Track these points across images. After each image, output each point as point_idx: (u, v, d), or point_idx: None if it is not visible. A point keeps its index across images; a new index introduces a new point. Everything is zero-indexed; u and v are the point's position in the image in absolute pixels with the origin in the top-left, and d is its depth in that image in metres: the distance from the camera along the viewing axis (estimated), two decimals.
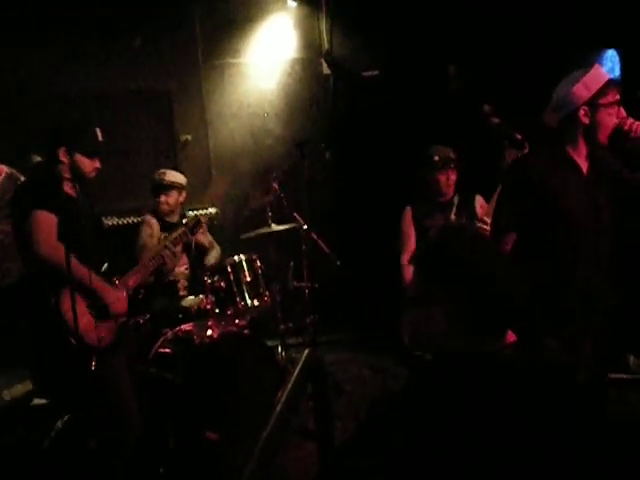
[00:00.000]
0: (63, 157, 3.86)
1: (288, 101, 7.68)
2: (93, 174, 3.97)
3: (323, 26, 7.69)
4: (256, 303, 5.34)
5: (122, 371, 3.97)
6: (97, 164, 3.97)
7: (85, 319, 3.64)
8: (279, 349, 5.90)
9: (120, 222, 6.58)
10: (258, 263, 5.47)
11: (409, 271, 5.11)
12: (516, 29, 6.57)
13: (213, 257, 5.78)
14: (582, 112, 3.32)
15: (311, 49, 7.74)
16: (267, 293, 5.46)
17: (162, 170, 5.64)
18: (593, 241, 3.40)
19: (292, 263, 6.05)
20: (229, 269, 5.32)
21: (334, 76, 7.70)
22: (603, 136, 3.36)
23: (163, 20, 7.17)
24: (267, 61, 7.63)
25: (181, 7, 7.27)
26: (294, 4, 7.50)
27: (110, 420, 3.83)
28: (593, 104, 3.31)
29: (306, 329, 5.83)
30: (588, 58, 6.91)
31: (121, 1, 6.84)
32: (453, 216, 5.17)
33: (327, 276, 6.04)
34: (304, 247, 5.79)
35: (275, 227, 5.81)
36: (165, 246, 4.31)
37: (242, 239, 5.97)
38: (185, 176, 5.71)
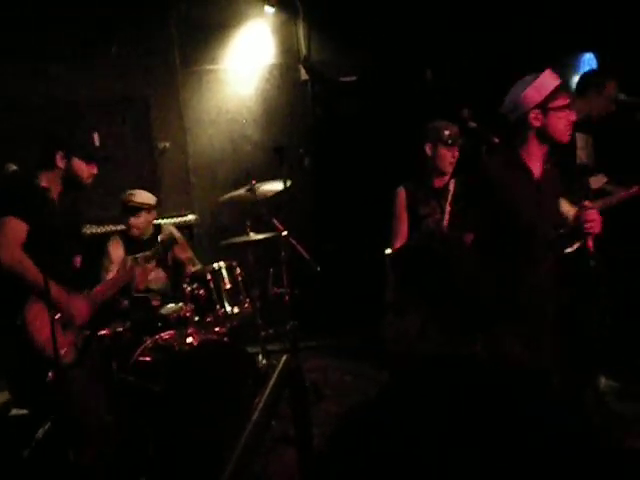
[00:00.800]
0: (60, 162, 3.87)
1: (266, 107, 7.68)
2: (89, 180, 3.97)
3: (301, 32, 7.69)
4: (236, 310, 5.32)
5: (85, 384, 3.95)
6: (94, 170, 3.97)
7: (48, 331, 3.60)
8: (260, 356, 5.87)
9: (99, 230, 6.55)
10: (238, 270, 5.46)
11: None
12: (494, 33, 6.62)
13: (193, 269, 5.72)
14: (533, 115, 3.43)
15: (289, 55, 7.73)
16: (247, 300, 5.45)
17: (130, 191, 5.54)
18: (542, 243, 3.48)
19: (272, 269, 6.02)
20: (209, 276, 5.30)
21: (312, 82, 7.70)
22: (554, 138, 3.47)
23: (140, 27, 7.16)
24: (245, 67, 7.62)
25: (158, 14, 7.25)
26: (272, 10, 7.49)
27: (78, 432, 3.81)
28: (544, 107, 3.42)
29: (287, 335, 5.81)
30: (566, 61, 6.97)
31: (97, 8, 6.82)
32: (448, 207, 4.87)
33: (307, 282, 6.03)
34: (283, 253, 5.77)
35: (254, 236, 5.79)
36: (137, 265, 4.29)
37: (221, 246, 5.94)
38: (155, 194, 5.67)
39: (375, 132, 7.21)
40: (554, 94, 3.42)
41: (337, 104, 7.66)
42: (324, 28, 7.66)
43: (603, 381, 5.20)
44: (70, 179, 3.92)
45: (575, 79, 6.88)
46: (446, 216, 4.74)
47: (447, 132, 4.90)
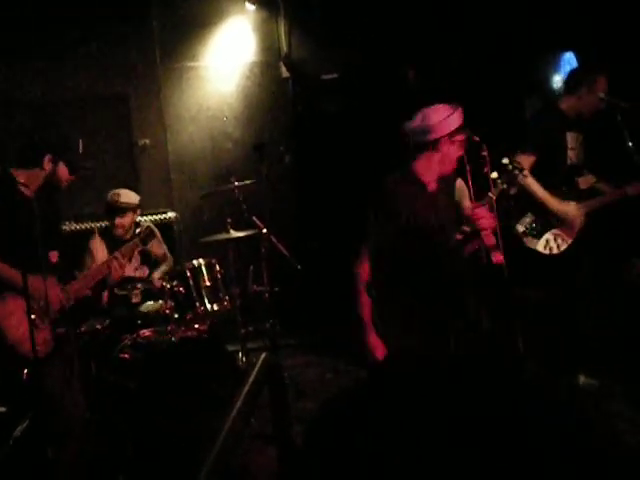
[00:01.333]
0: (47, 164, 3.91)
1: (247, 104, 7.66)
2: (66, 184, 4.04)
3: (282, 29, 7.68)
4: (216, 307, 5.32)
5: (61, 381, 3.94)
6: (72, 177, 4.03)
7: (22, 328, 3.60)
8: (240, 354, 5.87)
9: (77, 227, 6.52)
10: (217, 267, 5.45)
11: None
12: (474, 32, 6.63)
13: (160, 272, 5.70)
14: (443, 141, 3.80)
15: (270, 52, 7.72)
16: (227, 297, 5.44)
17: (116, 191, 5.52)
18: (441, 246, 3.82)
19: (252, 267, 6.02)
20: (188, 274, 5.29)
21: (293, 79, 7.69)
22: (445, 164, 3.86)
23: (121, 23, 7.13)
24: (226, 64, 7.60)
25: (139, 10, 7.21)
26: (252, 7, 7.48)
27: (56, 429, 3.80)
28: (450, 138, 3.80)
29: (266, 333, 5.81)
30: (546, 61, 7.01)
31: (78, 4, 6.78)
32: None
33: (287, 280, 6.02)
34: (263, 251, 5.76)
35: (234, 233, 5.78)
36: (114, 257, 4.28)
37: (201, 243, 5.92)
38: (138, 192, 5.68)
39: (356, 130, 7.22)
40: (458, 130, 3.79)
41: (318, 102, 7.66)
42: (305, 25, 7.65)
43: (582, 378, 5.23)
44: (51, 181, 3.96)
45: (556, 78, 6.93)
46: None
47: None
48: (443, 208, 3.89)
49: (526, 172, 4.19)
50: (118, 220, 5.43)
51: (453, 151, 3.83)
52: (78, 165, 4.03)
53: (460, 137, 3.82)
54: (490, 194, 3.83)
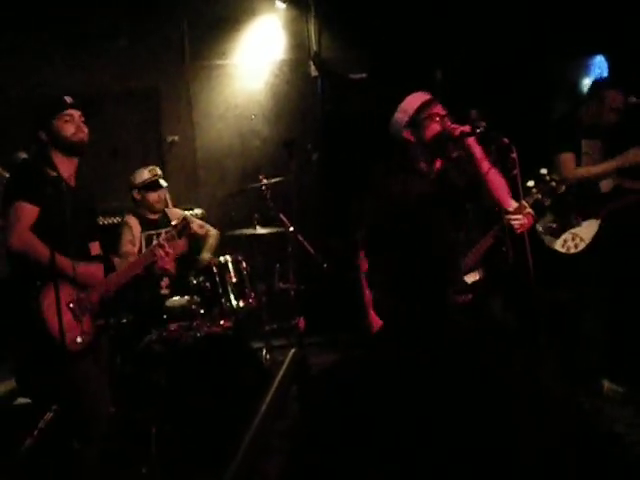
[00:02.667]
0: (44, 135, 3.83)
1: (276, 102, 7.67)
2: (80, 135, 3.89)
3: (311, 28, 7.69)
4: (241, 304, 5.33)
5: (95, 373, 3.95)
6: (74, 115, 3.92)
7: (65, 318, 3.56)
8: (264, 351, 5.89)
9: (105, 222, 6.55)
10: (244, 264, 5.46)
11: None
12: (505, 34, 6.60)
13: (209, 248, 5.66)
14: (407, 133, 3.85)
15: (299, 50, 7.73)
16: (253, 294, 5.45)
17: (150, 167, 5.52)
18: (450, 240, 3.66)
19: (278, 264, 6.04)
20: (215, 270, 5.30)
21: (322, 78, 7.69)
22: (430, 145, 3.79)
23: (150, 20, 7.17)
24: (255, 62, 7.61)
25: (168, 7, 7.25)
26: (283, 5, 7.49)
27: (82, 420, 3.82)
28: (413, 123, 3.83)
29: (291, 331, 5.82)
30: (577, 64, 6.97)
31: (108, 1, 6.83)
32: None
33: (313, 278, 6.03)
34: (290, 249, 5.78)
35: (260, 230, 5.80)
36: (158, 244, 4.21)
37: (228, 240, 5.93)
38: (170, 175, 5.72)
39: (384, 129, 7.19)
40: (420, 109, 3.81)
41: (346, 101, 7.65)
42: (335, 24, 7.65)
43: (606, 385, 5.20)
44: (61, 145, 3.87)
45: (585, 81, 6.88)
46: None
47: None
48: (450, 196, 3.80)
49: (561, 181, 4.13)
50: (153, 195, 5.42)
51: (423, 133, 3.80)
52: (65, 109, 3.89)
53: (424, 114, 3.81)
54: (524, 202, 3.81)
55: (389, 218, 3.57)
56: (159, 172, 5.51)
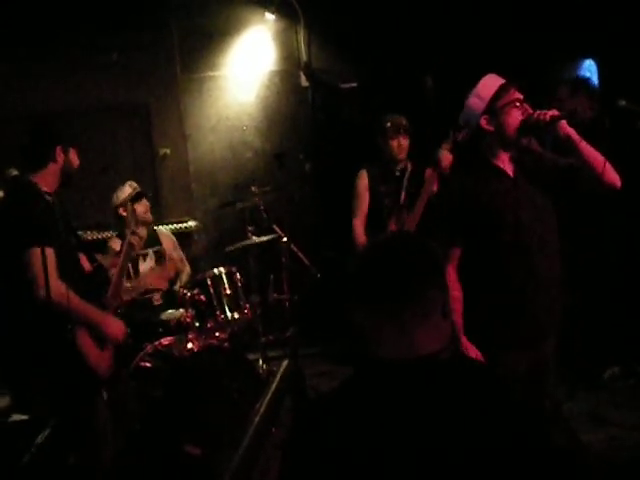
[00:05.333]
0: (59, 155, 3.78)
1: (267, 114, 7.69)
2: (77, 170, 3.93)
3: (301, 39, 7.70)
4: (236, 316, 5.33)
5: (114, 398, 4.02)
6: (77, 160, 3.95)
7: (96, 352, 3.69)
8: (260, 362, 5.88)
9: (99, 236, 6.54)
10: (238, 276, 5.47)
11: (361, 232, 5.49)
12: (494, 40, 6.62)
13: (181, 282, 5.73)
14: (484, 121, 3.42)
15: (289, 62, 7.74)
16: (247, 306, 5.45)
17: (128, 182, 5.52)
18: (532, 242, 3.42)
19: (272, 275, 6.04)
20: (209, 282, 5.31)
21: (312, 88, 7.71)
22: (510, 135, 3.40)
23: (141, 33, 7.17)
24: (246, 74, 7.62)
25: (159, 20, 7.26)
26: (272, 17, 7.50)
27: (86, 437, 3.83)
28: (491, 110, 3.41)
29: (287, 342, 5.82)
30: (566, 68, 6.98)
31: (99, 15, 6.84)
32: (406, 181, 5.49)
33: (307, 288, 6.03)
34: (284, 259, 5.78)
35: (255, 239, 5.81)
36: (132, 232, 4.28)
37: (224, 252, 5.94)
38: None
39: (375, 139, 7.22)
40: (498, 94, 3.41)
41: (338, 110, 7.67)
42: (325, 35, 7.68)
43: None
44: (67, 172, 3.86)
45: None
46: (403, 194, 5.42)
47: (388, 124, 5.47)
48: (528, 197, 3.48)
49: None
50: (137, 206, 5.44)
51: (505, 119, 3.40)
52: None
53: (504, 100, 3.40)
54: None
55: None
56: (136, 185, 5.52)
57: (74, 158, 3.88)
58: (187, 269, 5.86)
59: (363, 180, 5.61)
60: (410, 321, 1.73)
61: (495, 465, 1.58)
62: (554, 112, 3.37)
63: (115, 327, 3.87)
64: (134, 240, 4.24)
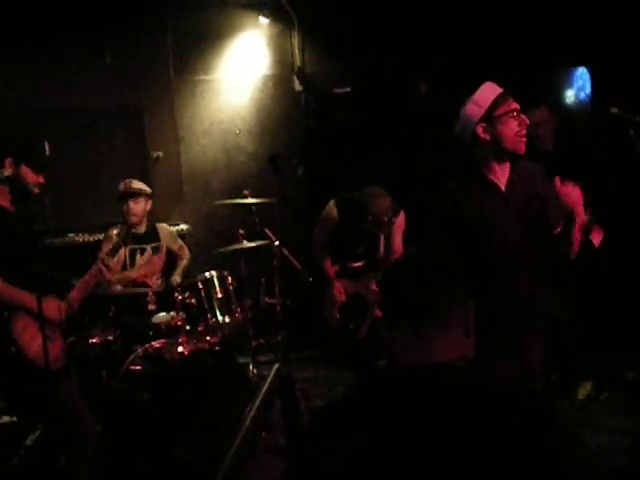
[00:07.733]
0: (9, 167, 3.79)
1: (260, 117, 7.68)
2: (36, 190, 3.90)
3: (295, 43, 7.71)
4: (227, 320, 5.33)
5: (75, 390, 3.97)
6: (41, 179, 3.91)
7: (37, 342, 3.59)
8: (251, 366, 5.87)
9: (91, 238, 6.54)
10: (229, 279, 5.47)
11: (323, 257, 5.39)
12: (488, 47, 6.64)
13: (180, 269, 5.78)
14: (480, 129, 3.37)
15: (283, 66, 7.74)
16: (238, 309, 5.46)
17: (128, 180, 5.63)
18: (518, 257, 3.42)
19: (263, 279, 6.03)
20: (200, 285, 5.31)
21: (306, 92, 7.71)
22: (506, 146, 3.36)
23: (135, 36, 7.17)
24: (239, 78, 7.62)
25: (154, 23, 7.26)
26: (266, 21, 7.50)
27: (68, 438, 3.82)
28: (489, 119, 3.36)
29: (278, 346, 5.81)
30: (559, 76, 7.01)
31: (92, 17, 6.83)
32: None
33: (299, 292, 6.02)
34: (275, 263, 5.78)
35: (247, 244, 5.80)
36: (100, 259, 4.21)
37: (213, 255, 5.94)
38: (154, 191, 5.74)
39: (369, 143, 7.22)
40: (496, 103, 3.36)
41: (331, 115, 7.67)
42: (318, 39, 7.68)
43: (588, 387, 5.26)
44: (18, 187, 3.86)
45: (568, 93, 6.93)
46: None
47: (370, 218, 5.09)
48: (518, 212, 3.44)
49: None
50: (132, 204, 5.46)
51: (502, 129, 3.34)
52: (43, 165, 3.91)
53: (502, 109, 3.35)
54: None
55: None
56: (134, 184, 5.59)
57: (28, 176, 3.85)
58: (187, 255, 5.99)
59: (332, 213, 5.41)
60: (429, 333, 1.85)
61: (504, 472, 1.59)
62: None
63: (50, 306, 3.81)
64: (103, 268, 4.16)
